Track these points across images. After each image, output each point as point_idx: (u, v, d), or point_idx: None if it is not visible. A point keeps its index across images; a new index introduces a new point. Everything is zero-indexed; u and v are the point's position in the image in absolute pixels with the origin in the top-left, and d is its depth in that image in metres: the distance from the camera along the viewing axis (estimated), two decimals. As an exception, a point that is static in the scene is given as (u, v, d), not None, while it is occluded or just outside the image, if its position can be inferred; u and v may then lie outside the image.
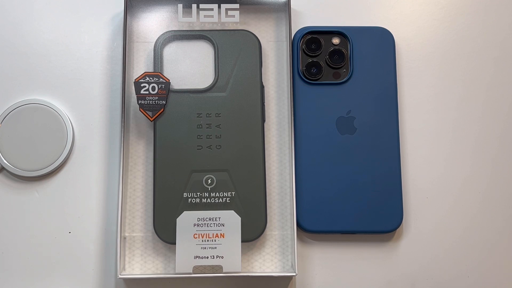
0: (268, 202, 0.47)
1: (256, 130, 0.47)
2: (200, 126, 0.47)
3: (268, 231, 0.47)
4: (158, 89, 0.47)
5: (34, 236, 0.48)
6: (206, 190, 0.46)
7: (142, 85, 0.47)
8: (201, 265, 0.45)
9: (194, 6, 0.49)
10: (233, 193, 0.46)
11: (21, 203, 0.48)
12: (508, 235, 0.49)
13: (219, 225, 0.45)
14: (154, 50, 0.49)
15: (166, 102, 0.47)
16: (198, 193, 0.46)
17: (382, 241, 0.48)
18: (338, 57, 0.49)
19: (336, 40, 0.50)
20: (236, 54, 0.49)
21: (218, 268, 0.45)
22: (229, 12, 0.49)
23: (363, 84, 0.49)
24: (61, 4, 0.51)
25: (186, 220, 0.46)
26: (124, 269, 0.46)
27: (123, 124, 0.47)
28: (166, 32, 0.49)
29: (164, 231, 0.46)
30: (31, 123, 0.48)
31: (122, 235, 0.46)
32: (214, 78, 0.48)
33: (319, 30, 0.50)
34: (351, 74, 0.49)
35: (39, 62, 0.50)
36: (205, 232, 0.45)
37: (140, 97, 0.47)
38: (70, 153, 0.49)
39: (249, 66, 0.48)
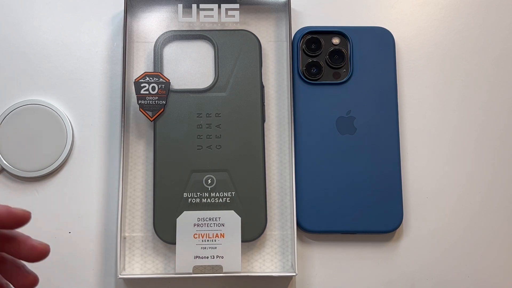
0: (268, 202, 0.47)
1: (256, 130, 0.47)
2: (200, 126, 0.47)
3: (268, 231, 0.47)
4: (158, 89, 0.47)
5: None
6: (206, 190, 0.46)
7: (142, 85, 0.47)
8: (201, 265, 0.45)
9: (194, 6, 0.49)
10: (233, 193, 0.46)
11: (21, 203, 0.48)
12: (508, 235, 0.48)
13: (219, 225, 0.45)
14: (154, 50, 0.49)
15: (166, 102, 0.47)
16: (198, 193, 0.46)
17: (382, 241, 0.48)
18: (338, 57, 0.49)
19: (336, 40, 0.50)
20: (236, 54, 0.49)
21: (218, 268, 0.45)
22: (229, 12, 0.49)
23: (363, 84, 0.49)
24: (61, 4, 0.51)
25: (186, 220, 0.46)
26: (124, 269, 0.46)
27: (123, 124, 0.47)
28: (166, 32, 0.49)
29: (164, 231, 0.46)
30: (31, 123, 0.48)
31: (122, 235, 0.46)
32: (214, 78, 0.48)
33: (319, 30, 0.50)
34: (351, 74, 0.49)
35: (39, 62, 0.50)
36: (205, 232, 0.45)
37: (140, 97, 0.47)
38: (70, 153, 0.49)
39: (249, 66, 0.48)
